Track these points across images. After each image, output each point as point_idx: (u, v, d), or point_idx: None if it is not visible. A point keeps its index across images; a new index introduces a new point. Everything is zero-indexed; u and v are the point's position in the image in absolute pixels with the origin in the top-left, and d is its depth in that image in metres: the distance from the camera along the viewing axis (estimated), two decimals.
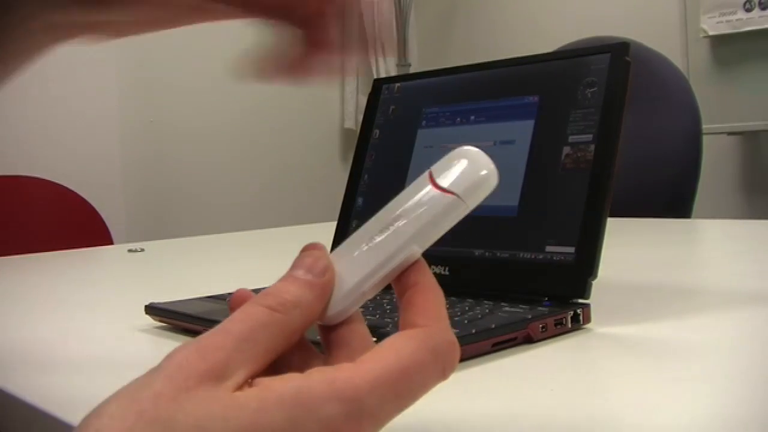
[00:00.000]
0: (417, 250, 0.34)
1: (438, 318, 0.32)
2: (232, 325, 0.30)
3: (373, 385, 0.29)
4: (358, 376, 0.29)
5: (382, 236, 0.34)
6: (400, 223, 0.34)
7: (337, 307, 0.33)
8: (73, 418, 0.46)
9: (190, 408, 0.27)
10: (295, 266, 0.33)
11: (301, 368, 0.32)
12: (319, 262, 0.33)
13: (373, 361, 0.30)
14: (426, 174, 0.35)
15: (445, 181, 0.34)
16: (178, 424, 0.27)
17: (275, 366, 0.31)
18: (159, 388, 0.27)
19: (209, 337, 0.30)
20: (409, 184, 0.36)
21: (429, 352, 0.30)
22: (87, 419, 0.27)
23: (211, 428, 0.27)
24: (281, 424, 0.27)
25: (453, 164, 0.35)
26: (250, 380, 0.30)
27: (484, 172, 0.35)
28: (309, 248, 0.34)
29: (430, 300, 0.33)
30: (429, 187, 0.35)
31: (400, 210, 0.35)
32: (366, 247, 0.34)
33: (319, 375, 0.29)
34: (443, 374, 0.31)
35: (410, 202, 0.35)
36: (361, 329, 0.34)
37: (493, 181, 0.35)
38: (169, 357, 0.29)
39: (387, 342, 0.31)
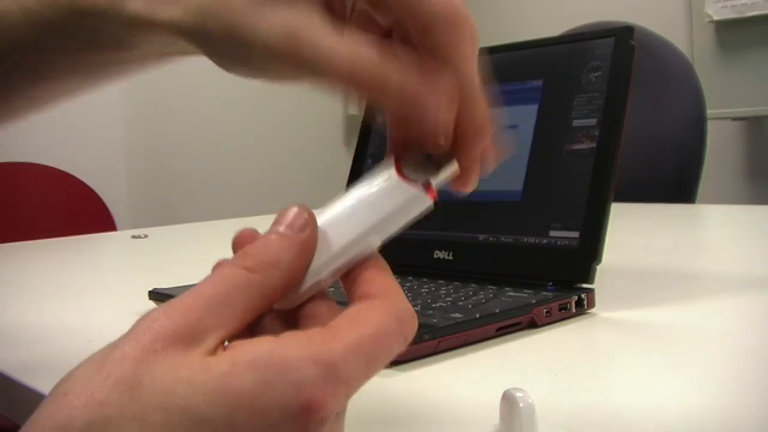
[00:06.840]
0: (376, 241, 0.33)
1: (395, 288, 0.32)
2: (206, 287, 0.29)
3: (347, 350, 0.28)
4: (333, 340, 0.28)
5: (341, 224, 0.33)
6: (361, 211, 0.33)
7: (291, 294, 0.32)
8: None
9: (157, 371, 0.27)
10: (276, 221, 0.32)
11: (275, 332, 0.30)
12: (300, 216, 0.32)
13: (345, 328, 0.29)
14: (391, 158, 0.34)
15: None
16: (144, 387, 0.26)
17: (251, 329, 0.31)
18: (126, 350, 0.27)
19: (180, 299, 0.29)
20: None
21: (394, 320, 0.30)
22: (58, 382, 0.27)
23: (178, 392, 0.26)
24: (252, 386, 0.27)
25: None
26: (224, 344, 0.29)
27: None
28: (292, 205, 0.33)
29: (381, 272, 0.33)
30: (393, 174, 0.33)
31: (362, 196, 0.33)
32: (325, 234, 0.32)
33: (294, 338, 0.28)
34: (405, 342, 0.31)
35: (372, 189, 0.33)
36: (328, 303, 0.33)
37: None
38: (139, 320, 0.29)
39: (352, 311, 0.30)
